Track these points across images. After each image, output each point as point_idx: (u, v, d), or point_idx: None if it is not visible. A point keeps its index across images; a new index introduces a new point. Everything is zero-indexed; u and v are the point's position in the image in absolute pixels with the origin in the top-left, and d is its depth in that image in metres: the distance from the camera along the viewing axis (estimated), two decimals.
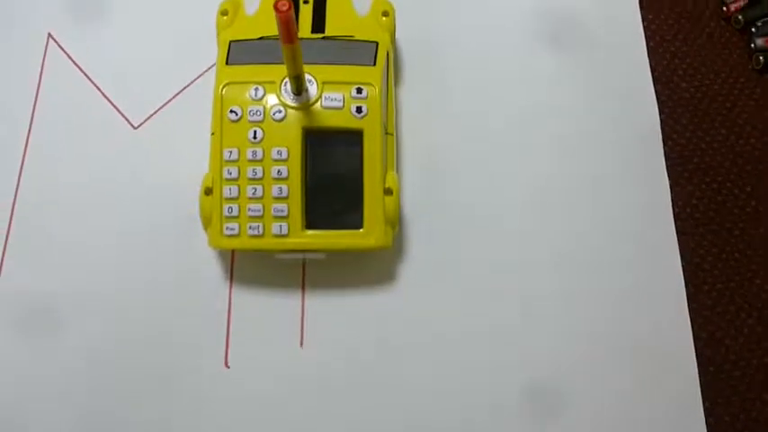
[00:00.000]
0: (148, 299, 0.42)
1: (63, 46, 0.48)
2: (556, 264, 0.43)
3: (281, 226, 0.39)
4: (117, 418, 0.40)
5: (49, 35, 0.48)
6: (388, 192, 0.40)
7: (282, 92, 0.40)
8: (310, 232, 0.40)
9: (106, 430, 0.40)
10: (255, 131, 0.39)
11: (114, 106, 0.46)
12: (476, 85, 0.47)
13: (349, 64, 0.41)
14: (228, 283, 0.42)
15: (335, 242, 0.40)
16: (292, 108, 0.40)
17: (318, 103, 0.40)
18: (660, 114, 0.47)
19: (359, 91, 0.40)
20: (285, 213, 0.39)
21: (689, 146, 0.47)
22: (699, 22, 0.49)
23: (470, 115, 0.46)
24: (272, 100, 0.40)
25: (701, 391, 0.41)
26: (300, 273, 0.43)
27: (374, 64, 0.41)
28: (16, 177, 0.45)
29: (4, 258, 0.43)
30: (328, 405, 0.40)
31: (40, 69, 0.47)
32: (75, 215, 0.44)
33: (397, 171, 0.43)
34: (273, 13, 0.32)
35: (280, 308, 0.42)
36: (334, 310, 0.42)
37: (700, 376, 0.41)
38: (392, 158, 0.41)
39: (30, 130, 0.46)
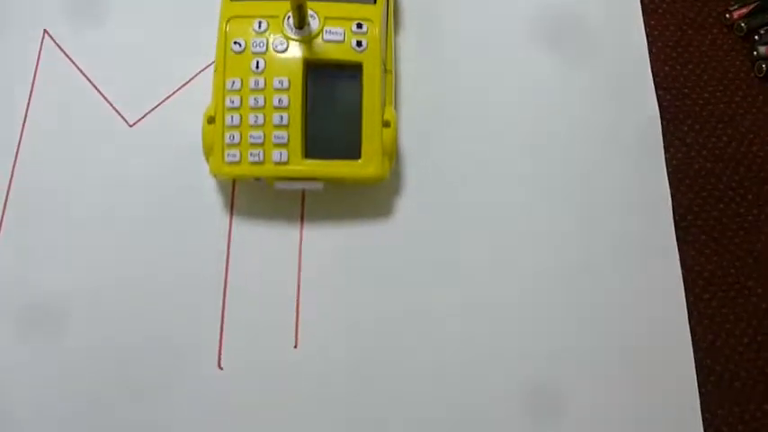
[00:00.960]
0: (147, 298, 0.42)
1: (59, 43, 0.48)
2: (555, 270, 0.43)
3: (281, 153, 0.40)
4: (117, 417, 0.39)
5: (45, 32, 0.48)
6: (386, 124, 0.41)
7: (285, 26, 0.41)
8: (309, 161, 0.40)
9: (105, 430, 0.39)
10: (258, 62, 0.40)
11: (110, 104, 0.46)
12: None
13: (350, 2, 0.42)
14: (222, 295, 0.42)
15: (334, 171, 0.40)
16: (294, 40, 0.41)
17: (320, 36, 0.41)
18: (662, 121, 0.46)
19: (359, 26, 0.41)
20: (285, 141, 0.40)
21: (690, 153, 0.46)
22: (702, 29, 0.49)
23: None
24: (274, 33, 0.41)
25: (701, 401, 0.41)
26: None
27: (374, 2, 0.42)
28: (9, 175, 0.44)
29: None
30: (320, 409, 0.40)
31: (35, 66, 0.47)
32: (69, 213, 0.44)
33: (396, 109, 0.44)
34: None
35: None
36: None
37: (699, 386, 0.41)
38: (390, 95, 0.42)
39: (23, 127, 0.45)
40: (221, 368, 0.40)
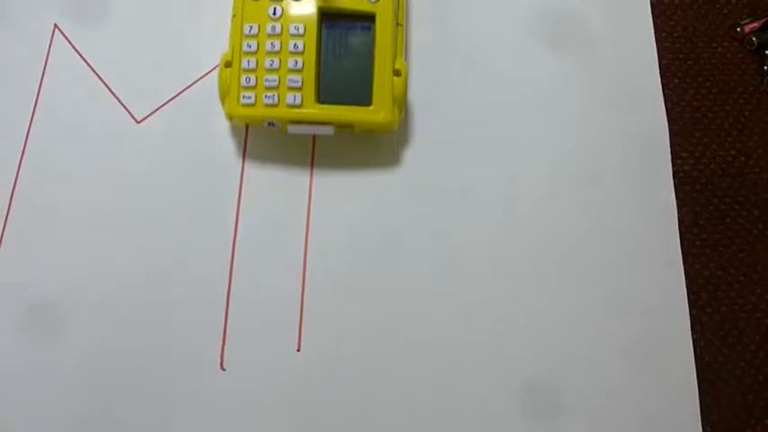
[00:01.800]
0: (150, 298, 0.41)
1: (69, 37, 0.48)
2: (559, 280, 0.43)
3: (294, 96, 0.41)
4: (118, 418, 0.39)
5: (56, 26, 0.48)
6: (396, 73, 0.42)
7: None
8: (322, 105, 0.41)
9: (104, 430, 0.39)
10: (275, 8, 0.42)
11: (118, 100, 0.46)
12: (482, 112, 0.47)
13: None
14: (226, 297, 0.42)
15: (345, 116, 0.41)
16: None
17: None
18: (670, 132, 0.46)
19: None
20: (299, 85, 0.41)
21: (698, 165, 0.46)
22: (712, 42, 0.49)
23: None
24: None
25: (702, 413, 0.40)
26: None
27: None
28: (16, 171, 0.44)
29: (0, 252, 0.42)
30: (321, 412, 0.40)
31: (44, 60, 0.47)
32: (75, 210, 0.43)
33: (406, 61, 0.44)
34: None
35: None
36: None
37: (701, 398, 0.40)
38: (401, 47, 0.43)
39: (31, 123, 0.45)
40: (224, 370, 0.40)
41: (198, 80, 0.47)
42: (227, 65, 0.42)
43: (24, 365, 0.40)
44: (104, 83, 0.46)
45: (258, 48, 0.41)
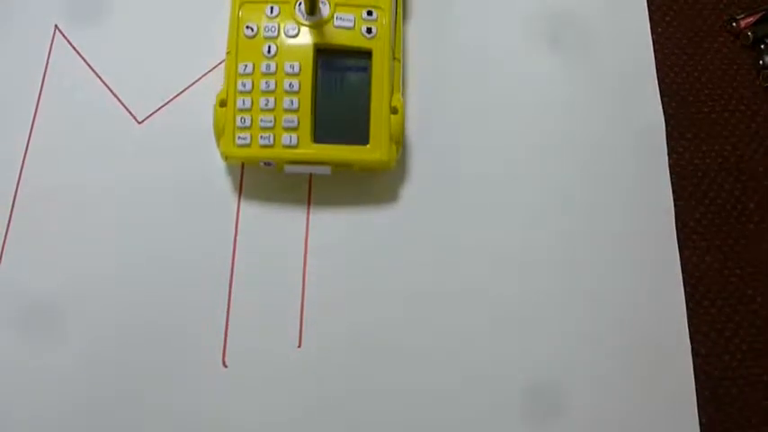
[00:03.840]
0: (152, 296, 0.42)
1: (69, 38, 0.48)
2: (556, 274, 0.43)
3: (290, 137, 0.41)
4: (120, 416, 0.40)
5: (56, 27, 0.48)
6: (393, 110, 0.41)
7: (296, 11, 0.42)
8: (318, 145, 0.41)
9: (105, 429, 0.40)
10: (270, 46, 0.41)
11: (119, 100, 0.46)
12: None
13: None
14: (227, 293, 0.42)
15: (342, 155, 0.41)
16: (305, 26, 0.42)
17: (330, 22, 0.42)
18: (666, 127, 0.47)
19: (369, 13, 0.42)
20: (295, 125, 0.41)
21: (694, 160, 0.47)
22: (708, 37, 0.50)
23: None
24: (286, 18, 0.42)
25: (698, 406, 0.41)
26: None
27: None
28: (18, 172, 0.44)
29: (4, 252, 0.43)
30: (322, 409, 0.40)
31: (45, 61, 0.47)
32: (77, 210, 0.44)
33: (403, 96, 0.44)
34: None
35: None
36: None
37: (697, 392, 0.41)
38: (398, 82, 0.43)
39: (33, 123, 0.46)
40: (226, 366, 0.41)
41: (199, 79, 0.47)
42: (222, 104, 0.41)
43: (26, 364, 0.40)
44: (105, 84, 0.47)
45: (253, 87, 0.41)
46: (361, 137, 0.41)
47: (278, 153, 0.41)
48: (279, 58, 0.41)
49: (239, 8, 0.42)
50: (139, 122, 0.46)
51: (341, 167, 0.42)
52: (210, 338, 0.41)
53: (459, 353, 0.41)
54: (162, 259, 0.42)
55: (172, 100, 0.46)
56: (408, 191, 0.44)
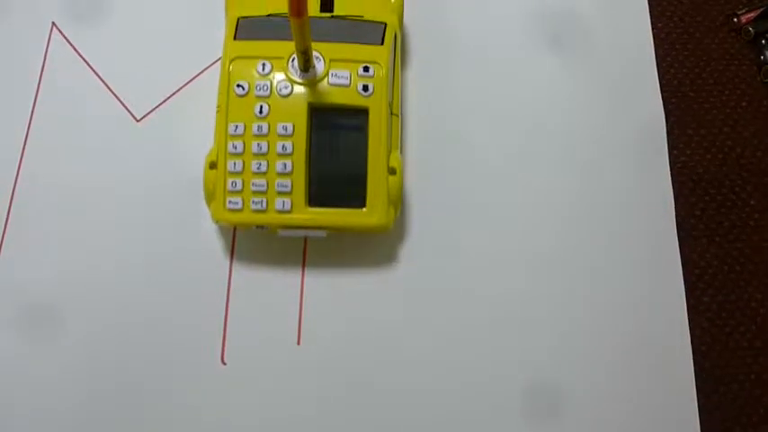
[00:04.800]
0: (148, 294, 0.42)
1: (67, 36, 0.48)
2: (555, 270, 0.43)
3: (284, 202, 0.39)
4: (119, 414, 0.40)
5: (54, 24, 0.48)
6: (391, 171, 0.40)
7: (290, 68, 0.40)
8: (313, 209, 0.40)
9: (105, 428, 0.40)
10: (261, 106, 0.40)
11: (117, 98, 0.46)
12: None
13: (357, 43, 0.41)
14: (229, 264, 0.43)
15: (338, 220, 0.40)
16: (299, 84, 0.40)
17: (325, 80, 0.40)
18: (666, 123, 0.46)
19: (366, 69, 0.40)
20: (289, 189, 0.39)
21: (694, 156, 0.46)
22: (709, 33, 0.49)
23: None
24: (279, 75, 0.40)
25: (698, 402, 0.41)
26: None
27: (382, 43, 0.41)
28: (16, 170, 0.44)
29: (1, 250, 0.43)
30: (326, 399, 0.40)
31: (42, 59, 0.47)
32: (75, 208, 0.44)
33: (401, 153, 0.43)
34: None
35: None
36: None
37: (697, 388, 0.41)
38: (397, 139, 0.41)
39: (31, 121, 0.45)
40: (225, 363, 0.41)
41: (198, 75, 0.47)
42: (212, 166, 0.40)
43: (25, 362, 0.40)
44: (103, 81, 0.47)
45: (244, 149, 0.39)
46: (358, 200, 0.39)
47: (271, 218, 0.39)
48: (271, 119, 0.39)
49: (230, 64, 0.40)
50: (138, 120, 0.46)
51: (337, 231, 0.41)
52: (209, 336, 0.41)
53: (458, 352, 0.41)
54: (160, 256, 0.42)
55: (170, 97, 0.46)
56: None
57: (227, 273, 0.42)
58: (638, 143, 0.46)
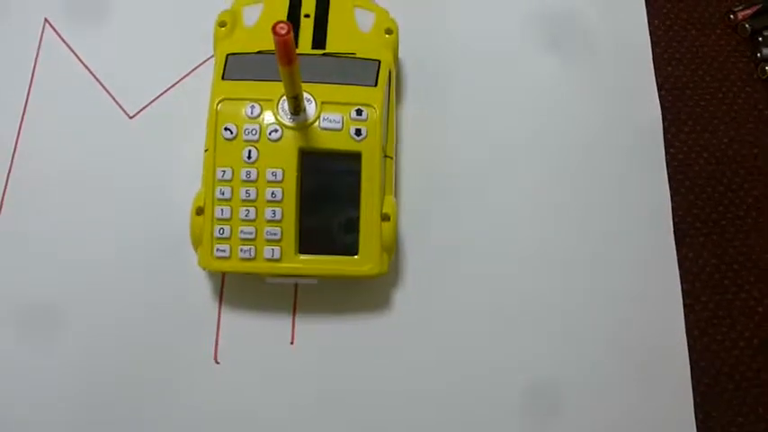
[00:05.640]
0: (141, 293, 0.41)
1: (59, 32, 0.47)
2: (552, 275, 0.43)
3: (273, 250, 0.38)
4: (114, 412, 0.39)
5: (46, 20, 0.47)
6: (385, 217, 0.39)
7: (279, 110, 0.39)
8: (303, 257, 0.38)
9: (100, 426, 0.39)
10: (250, 151, 0.38)
11: (110, 95, 0.46)
12: (480, 104, 0.46)
13: (349, 84, 0.39)
14: (218, 306, 0.42)
15: (329, 268, 0.38)
16: (289, 128, 0.38)
17: (316, 123, 0.38)
18: (663, 121, 0.46)
19: (359, 113, 0.39)
20: (278, 237, 0.38)
21: (691, 154, 0.46)
22: (705, 30, 0.49)
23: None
24: (268, 118, 0.38)
25: (695, 402, 0.41)
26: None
27: (375, 84, 0.40)
28: (8, 166, 0.44)
29: None
30: (321, 423, 0.40)
31: (35, 55, 0.46)
32: (67, 205, 0.43)
33: (395, 196, 0.41)
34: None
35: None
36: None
37: (694, 388, 0.41)
38: (390, 183, 0.40)
39: (23, 117, 0.45)
40: (218, 362, 0.40)
41: (190, 72, 0.46)
42: (199, 212, 0.38)
43: (22, 363, 0.40)
44: (96, 77, 0.46)
45: (232, 195, 0.38)
46: (350, 248, 0.38)
47: (259, 267, 0.38)
48: (260, 164, 0.38)
49: (218, 104, 0.39)
50: (131, 117, 0.45)
51: (328, 279, 0.40)
52: (202, 334, 0.41)
53: (458, 351, 0.41)
54: (155, 253, 0.42)
55: (163, 94, 0.46)
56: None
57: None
58: (635, 142, 0.46)
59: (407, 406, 0.40)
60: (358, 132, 0.38)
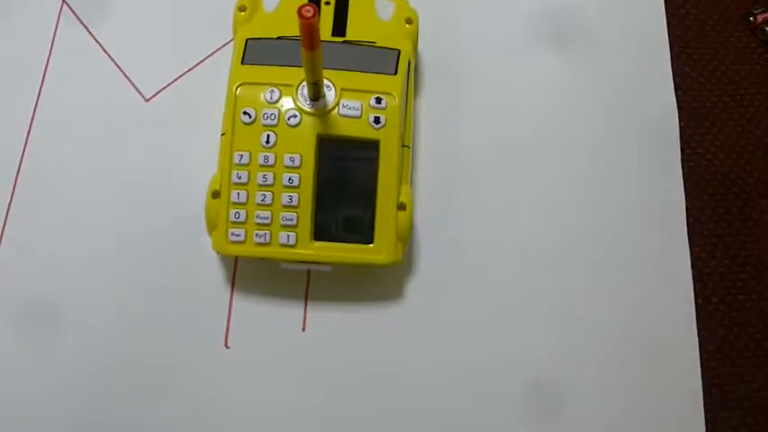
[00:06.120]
0: (152, 275, 0.42)
1: (77, 13, 0.47)
2: (565, 272, 0.43)
3: (288, 235, 0.38)
4: (115, 415, 0.39)
5: (64, 2, 0.47)
6: (401, 207, 0.39)
7: (299, 96, 0.39)
8: (318, 244, 0.38)
9: (109, 410, 0.39)
10: (269, 135, 0.38)
11: (127, 77, 0.46)
12: (494, 98, 0.46)
13: (369, 72, 0.39)
14: (230, 291, 0.42)
15: (344, 256, 0.38)
16: (308, 114, 0.38)
17: (336, 110, 0.38)
18: (679, 121, 0.46)
19: (378, 101, 0.39)
20: (294, 223, 0.38)
21: (707, 155, 0.46)
22: (724, 32, 0.49)
23: (487, 127, 0.45)
24: (287, 104, 0.38)
25: (705, 403, 0.41)
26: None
27: (395, 73, 0.40)
28: (22, 148, 0.44)
29: (3, 240, 0.42)
30: (330, 411, 0.40)
31: (52, 37, 0.46)
32: (82, 186, 0.43)
33: (412, 185, 0.42)
34: (294, 12, 0.31)
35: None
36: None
37: (704, 388, 0.41)
38: (407, 172, 0.40)
39: (39, 98, 0.45)
40: (228, 347, 0.40)
41: (208, 57, 0.46)
42: (215, 195, 0.38)
43: (30, 352, 0.40)
44: (113, 60, 0.46)
45: (249, 179, 0.38)
46: (365, 236, 0.38)
47: (274, 252, 0.38)
48: (278, 149, 0.38)
49: (236, 88, 0.39)
50: (147, 100, 0.45)
51: (342, 266, 0.40)
52: (214, 319, 0.41)
53: (460, 351, 0.41)
54: (169, 237, 0.42)
55: (180, 78, 0.46)
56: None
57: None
58: (651, 141, 0.46)
59: (417, 396, 0.40)
60: (377, 120, 0.38)
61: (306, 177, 0.38)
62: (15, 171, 0.43)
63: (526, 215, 0.43)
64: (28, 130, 0.44)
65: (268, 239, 0.38)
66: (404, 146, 0.40)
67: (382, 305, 0.41)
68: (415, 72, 0.44)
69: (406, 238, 0.39)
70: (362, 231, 0.38)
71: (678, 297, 0.43)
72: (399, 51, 0.40)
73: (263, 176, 0.38)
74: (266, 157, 0.38)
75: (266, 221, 0.38)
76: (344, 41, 0.41)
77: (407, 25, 0.42)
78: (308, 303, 0.41)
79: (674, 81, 0.47)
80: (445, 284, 0.42)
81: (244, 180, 0.38)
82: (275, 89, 0.39)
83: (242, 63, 0.40)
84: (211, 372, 0.40)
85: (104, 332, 0.40)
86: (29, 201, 0.43)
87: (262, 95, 0.39)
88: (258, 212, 0.38)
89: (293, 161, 0.38)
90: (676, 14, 0.49)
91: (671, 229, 0.44)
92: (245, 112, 0.38)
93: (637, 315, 0.42)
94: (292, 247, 0.38)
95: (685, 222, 0.44)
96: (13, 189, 0.43)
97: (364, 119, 0.38)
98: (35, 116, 0.44)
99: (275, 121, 0.38)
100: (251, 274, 0.42)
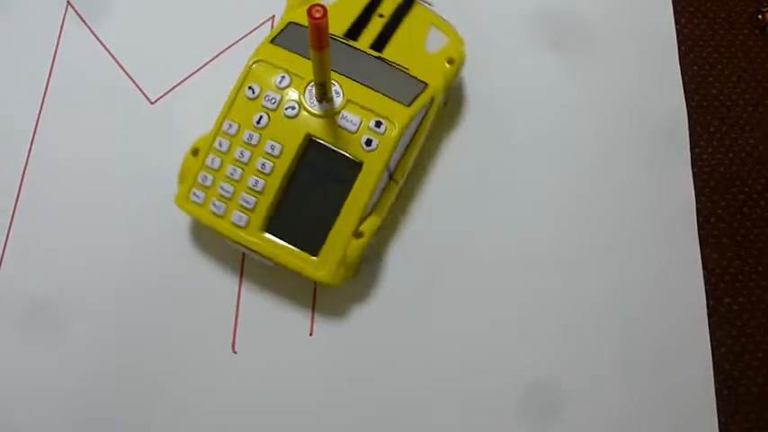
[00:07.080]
0: (162, 279, 0.42)
1: (82, 15, 0.47)
2: (574, 274, 0.42)
3: (241, 216, 0.38)
4: (116, 415, 0.40)
5: (69, 3, 0.47)
6: (358, 234, 0.38)
7: (306, 91, 0.39)
8: (266, 236, 0.38)
9: (115, 413, 0.39)
10: (261, 117, 0.38)
11: (132, 80, 0.45)
12: (498, 99, 0.46)
13: (384, 94, 0.39)
14: (236, 296, 0.42)
15: (286, 258, 0.38)
16: (306, 111, 0.38)
17: (335, 117, 0.38)
18: (689, 121, 0.46)
19: (377, 124, 0.38)
20: (251, 207, 0.38)
21: (716, 154, 0.46)
22: (732, 30, 0.48)
23: (489, 127, 0.45)
24: (292, 94, 0.39)
25: (717, 404, 0.40)
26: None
27: (409, 105, 0.39)
28: (27, 151, 0.44)
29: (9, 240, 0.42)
30: (337, 416, 0.40)
31: (57, 39, 0.46)
32: (86, 188, 0.44)
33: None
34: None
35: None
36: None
37: (716, 390, 0.40)
38: (385, 205, 0.39)
39: (44, 101, 0.45)
40: (235, 352, 0.40)
41: (213, 59, 0.46)
42: (195, 152, 0.39)
43: (32, 354, 0.41)
44: (118, 62, 0.46)
45: (228, 150, 0.38)
46: (313, 248, 0.38)
47: (222, 227, 0.38)
48: (265, 133, 0.38)
49: (253, 63, 0.39)
50: (152, 102, 0.45)
51: (281, 267, 0.39)
52: (221, 324, 0.41)
53: (461, 351, 0.41)
54: (175, 239, 0.42)
55: (185, 80, 0.45)
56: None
57: (240, 258, 0.42)
58: (660, 141, 0.45)
59: (421, 399, 0.40)
60: (368, 143, 0.38)
61: (279, 168, 0.38)
62: (21, 173, 0.43)
63: (532, 217, 0.43)
64: (33, 132, 0.44)
65: (222, 212, 0.38)
66: (392, 179, 0.39)
67: (388, 310, 0.41)
68: (439, 111, 0.42)
69: (352, 267, 0.39)
70: (312, 242, 0.38)
71: (690, 298, 0.42)
72: (425, 86, 0.40)
73: (241, 152, 0.38)
74: (251, 136, 0.38)
75: (227, 195, 0.38)
76: (378, 57, 0.40)
77: (448, 65, 0.41)
78: (316, 308, 0.41)
79: (683, 79, 0.47)
80: (449, 287, 0.42)
81: (224, 149, 0.39)
82: (287, 76, 0.39)
83: (271, 42, 0.40)
84: (218, 377, 0.39)
85: (110, 338, 0.41)
86: (34, 202, 0.43)
87: (273, 78, 0.39)
88: (223, 184, 0.38)
89: (273, 149, 0.38)
90: (684, 13, 0.49)
91: (682, 229, 0.44)
92: (250, 87, 0.39)
93: (649, 316, 0.42)
94: (241, 228, 0.38)
95: (696, 222, 0.43)
96: (19, 190, 0.43)
97: (357, 137, 0.38)
98: (40, 118, 0.45)
99: (274, 106, 0.39)
100: (258, 280, 0.42)
